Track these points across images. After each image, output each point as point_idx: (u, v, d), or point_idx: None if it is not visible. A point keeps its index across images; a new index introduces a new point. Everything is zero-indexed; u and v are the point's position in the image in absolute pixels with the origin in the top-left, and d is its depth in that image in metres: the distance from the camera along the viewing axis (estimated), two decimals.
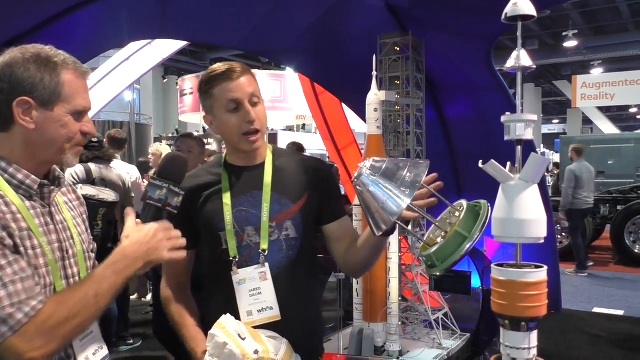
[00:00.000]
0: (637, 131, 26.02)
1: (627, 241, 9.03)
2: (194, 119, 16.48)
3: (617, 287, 7.59)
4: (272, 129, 15.34)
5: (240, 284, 1.63)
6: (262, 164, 1.72)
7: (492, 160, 1.07)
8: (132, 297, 6.13)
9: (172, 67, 20.78)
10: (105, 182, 4.13)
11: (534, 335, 1.07)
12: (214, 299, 1.72)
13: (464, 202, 1.43)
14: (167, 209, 1.40)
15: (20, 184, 1.25)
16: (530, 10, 1.07)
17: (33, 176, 1.27)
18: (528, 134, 1.07)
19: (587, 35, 17.31)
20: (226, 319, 1.54)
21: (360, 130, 8.04)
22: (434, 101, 5.39)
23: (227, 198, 1.66)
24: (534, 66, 1.09)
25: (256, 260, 1.64)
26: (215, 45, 12.40)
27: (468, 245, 1.32)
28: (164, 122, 21.78)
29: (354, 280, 4.34)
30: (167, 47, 6.86)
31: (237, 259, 1.64)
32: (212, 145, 12.26)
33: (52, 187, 1.32)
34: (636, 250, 8.99)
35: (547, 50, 17.67)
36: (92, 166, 4.14)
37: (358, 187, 1.43)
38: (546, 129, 34.43)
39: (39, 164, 1.29)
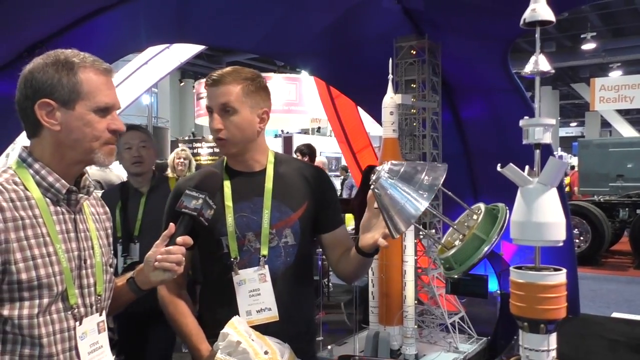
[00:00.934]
0: None
1: None
2: None
3: (636, 291, 7.48)
4: (288, 132, 15.39)
5: (240, 285, 1.68)
6: (264, 170, 1.75)
7: (511, 164, 1.07)
8: None
9: (188, 71, 20.94)
10: (101, 184, 4.15)
11: (553, 337, 1.08)
12: (214, 299, 1.76)
13: (482, 205, 1.44)
14: (200, 219, 1.47)
15: (49, 187, 1.26)
16: (549, 15, 1.08)
17: (63, 180, 1.28)
18: (547, 138, 1.08)
19: (605, 37, 17.11)
20: (237, 320, 1.57)
21: (375, 133, 8.04)
22: (450, 103, 5.38)
23: (229, 202, 1.70)
24: (552, 70, 1.10)
25: (256, 264, 1.68)
26: (231, 48, 12.48)
27: (486, 248, 1.33)
28: (180, 125, 21.94)
29: (370, 283, 4.34)
30: (185, 51, 6.93)
31: (237, 260, 1.68)
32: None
33: (80, 195, 1.33)
34: None
35: (565, 52, 17.50)
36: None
37: (376, 190, 1.44)
38: (564, 132, 34.01)
39: (70, 166, 1.30)
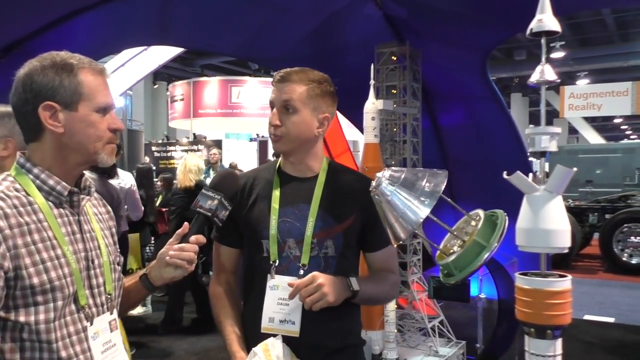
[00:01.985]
0: (623, 141, 26.44)
1: (615, 249, 9.17)
2: (185, 125, 16.41)
3: (606, 294, 7.69)
4: (263, 136, 15.33)
5: (272, 289, 1.64)
6: (315, 177, 1.72)
7: (518, 172, 1.09)
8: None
9: (162, 73, 20.71)
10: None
11: (559, 343, 1.09)
12: (248, 300, 1.74)
13: (481, 212, 1.46)
14: (214, 219, 1.47)
15: (51, 190, 1.26)
16: (555, 26, 1.10)
17: (64, 183, 1.27)
18: (553, 146, 1.09)
19: (574, 46, 17.57)
20: (272, 342, 1.56)
21: (350, 138, 8.06)
22: (428, 110, 5.44)
23: (276, 204, 1.67)
24: (559, 80, 1.12)
25: (295, 273, 1.64)
26: (212, 51, 12.38)
27: (487, 255, 1.34)
28: (152, 128, 21.67)
29: None
30: (163, 53, 6.85)
31: (276, 264, 1.65)
32: (202, 151, 12.19)
33: (82, 196, 1.33)
34: (624, 258, 9.13)
35: (535, 60, 17.70)
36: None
37: (376, 197, 1.44)
38: None
39: (71, 168, 1.30)
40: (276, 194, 1.69)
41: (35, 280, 1.17)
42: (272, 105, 1.68)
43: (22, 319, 1.17)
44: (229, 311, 1.72)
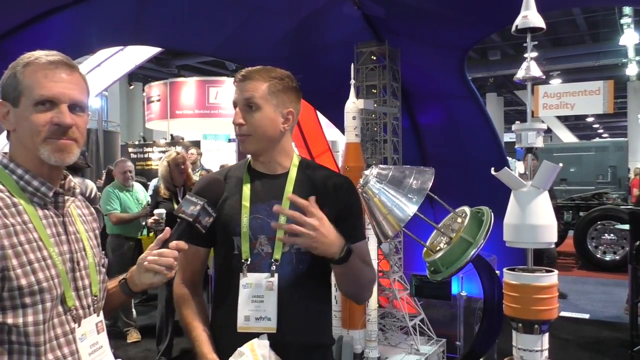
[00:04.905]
0: (596, 139, 27.00)
1: (589, 246, 9.34)
2: (162, 126, 16.22)
3: (581, 291, 7.82)
4: None
5: (245, 287, 1.63)
6: (286, 174, 1.71)
7: (506, 168, 1.10)
8: None
9: (138, 74, 20.45)
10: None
11: (546, 337, 1.11)
12: (220, 299, 1.72)
13: (467, 209, 1.47)
14: (197, 226, 1.44)
15: (35, 191, 1.24)
16: (540, 22, 1.11)
17: (49, 184, 1.25)
18: (539, 142, 1.10)
19: (546, 46, 17.89)
20: (258, 342, 1.55)
21: (329, 138, 8.06)
22: (407, 109, 5.47)
23: (247, 202, 1.66)
24: (544, 76, 1.13)
25: (266, 269, 1.63)
26: (191, 51, 12.25)
27: (473, 251, 1.35)
28: (128, 129, 21.38)
29: (333, 288, 4.34)
30: (139, 53, 6.76)
31: (248, 263, 1.64)
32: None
33: (67, 197, 1.31)
34: (598, 255, 9.30)
35: (509, 60, 18.17)
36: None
37: (364, 195, 1.44)
38: (508, 137, 35.27)
39: (45, 168, 1.27)
40: (246, 191, 1.68)
41: (24, 282, 1.16)
42: (235, 105, 1.69)
43: (10, 320, 1.16)
44: (196, 312, 1.70)
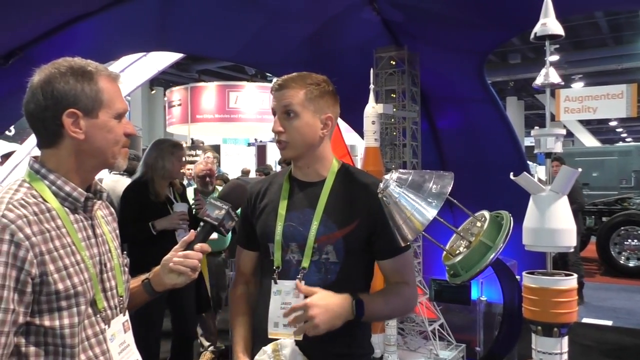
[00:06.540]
0: (619, 144, 26.56)
1: (612, 252, 9.18)
2: (182, 130, 16.40)
3: (604, 297, 7.70)
4: (261, 141, 15.35)
5: (276, 294, 1.67)
6: (322, 182, 1.72)
7: (525, 173, 1.11)
8: None
9: (159, 79, 20.70)
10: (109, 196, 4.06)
11: (565, 341, 1.11)
12: (258, 303, 1.78)
13: (486, 213, 1.48)
14: (220, 229, 1.49)
15: (67, 196, 1.27)
16: (559, 30, 1.12)
17: (80, 189, 1.29)
18: (558, 147, 1.12)
19: (567, 49, 17.66)
20: (283, 343, 1.58)
21: (348, 142, 8.06)
22: (426, 112, 5.47)
23: (282, 210, 1.70)
24: (562, 83, 1.14)
25: (295, 277, 1.66)
26: (211, 57, 12.36)
27: (493, 255, 1.36)
28: (149, 134, 21.65)
29: None
30: (162, 59, 6.86)
31: (279, 270, 1.68)
32: (200, 157, 12.17)
33: (95, 200, 1.35)
34: (621, 261, 9.14)
35: (529, 64, 17.99)
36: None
37: (384, 199, 1.46)
38: (528, 141, 34.89)
39: (87, 173, 1.32)
40: (284, 199, 1.72)
41: (61, 286, 1.19)
42: (274, 112, 1.71)
43: (47, 323, 1.19)
44: (242, 314, 1.79)
